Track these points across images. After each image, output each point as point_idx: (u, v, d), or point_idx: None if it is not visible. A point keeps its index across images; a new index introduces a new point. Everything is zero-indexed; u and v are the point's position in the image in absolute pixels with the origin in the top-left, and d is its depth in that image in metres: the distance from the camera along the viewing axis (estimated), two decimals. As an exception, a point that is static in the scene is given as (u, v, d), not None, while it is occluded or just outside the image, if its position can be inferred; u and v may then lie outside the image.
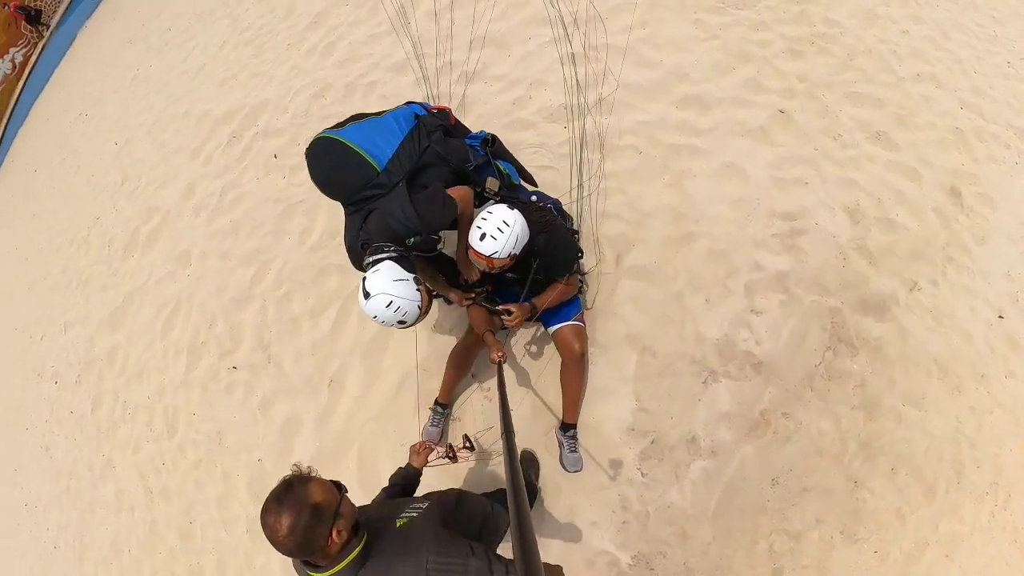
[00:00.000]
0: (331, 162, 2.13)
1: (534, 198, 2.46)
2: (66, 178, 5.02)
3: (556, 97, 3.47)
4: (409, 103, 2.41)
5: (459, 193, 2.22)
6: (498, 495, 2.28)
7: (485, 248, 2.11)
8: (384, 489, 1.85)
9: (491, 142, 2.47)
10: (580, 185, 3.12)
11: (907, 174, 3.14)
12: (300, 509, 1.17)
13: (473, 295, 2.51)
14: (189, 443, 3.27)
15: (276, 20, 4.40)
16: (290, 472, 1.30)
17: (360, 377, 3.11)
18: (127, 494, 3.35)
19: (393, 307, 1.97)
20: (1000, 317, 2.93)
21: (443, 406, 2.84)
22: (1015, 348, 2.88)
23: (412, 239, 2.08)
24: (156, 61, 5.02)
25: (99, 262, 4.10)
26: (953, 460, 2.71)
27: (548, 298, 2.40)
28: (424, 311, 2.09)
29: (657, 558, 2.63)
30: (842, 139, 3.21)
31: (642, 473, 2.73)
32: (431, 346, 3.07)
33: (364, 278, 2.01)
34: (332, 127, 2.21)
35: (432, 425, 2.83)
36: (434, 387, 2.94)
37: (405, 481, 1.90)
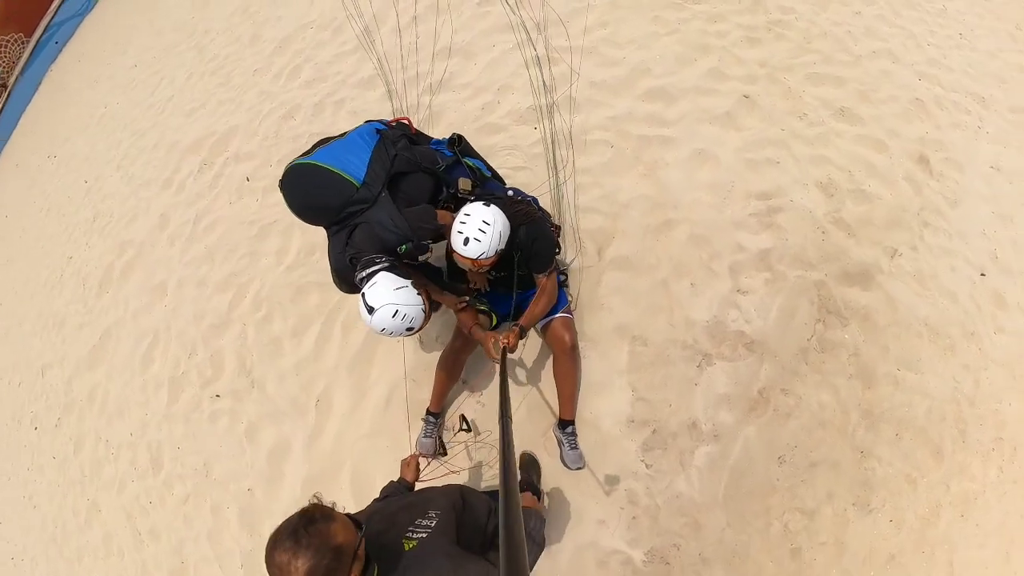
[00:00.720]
0: (308, 187, 2.12)
1: (510, 192, 2.46)
2: (37, 220, 4.94)
3: (524, 100, 3.52)
4: (367, 121, 2.45)
5: (444, 215, 2.26)
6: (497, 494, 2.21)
7: (471, 252, 2.09)
8: (376, 500, 1.77)
9: (458, 141, 2.49)
10: (557, 185, 3.13)
11: (875, 146, 3.21)
12: (321, 551, 1.06)
13: (466, 299, 2.48)
14: (175, 478, 3.13)
15: (241, 48, 4.44)
16: (309, 503, 1.18)
17: (347, 394, 3.03)
18: (115, 538, 3.19)
19: (400, 315, 1.98)
20: (982, 275, 2.96)
21: (435, 415, 2.77)
22: (1000, 304, 2.91)
23: (403, 246, 2.09)
24: (123, 98, 5.02)
25: (74, 301, 4.00)
26: (955, 419, 2.70)
27: (535, 312, 2.38)
28: (428, 314, 2.12)
29: (671, 551, 2.55)
30: (808, 118, 3.29)
31: (646, 465, 2.66)
32: (417, 356, 3.01)
33: (363, 294, 2.00)
34: (300, 156, 2.21)
35: (425, 436, 2.74)
36: (424, 397, 2.87)
37: (397, 494, 1.83)
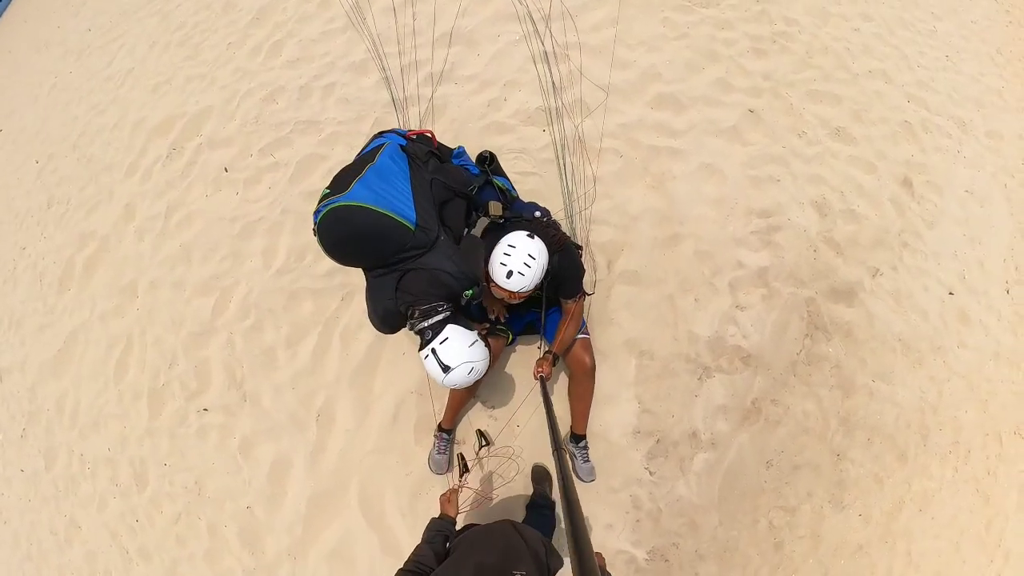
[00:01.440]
0: (358, 232, 1.93)
1: (537, 213, 2.41)
2: None
3: (531, 99, 3.41)
4: (382, 134, 2.29)
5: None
6: (528, 518, 2.29)
7: (514, 285, 2.06)
8: (425, 543, 1.77)
9: (490, 160, 2.40)
10: (570, 195, 3.09)
11: (865, 167, 3.39)
12: None
13: (488, 324, 2.45)
14: (164, 496, 2.98)
15: (213, 17, 3.95)
16: None
17: (351, 408, 2.96)
18: (100, 556, 3.03)
19: (473, 372, 2.01)
20: (950, 294, 3.27)
21: (448, 432, 2.78)
22: (965, 321, 3.23)
23: (471, 291, 2.03)
24: (76, 67, 4.36)
25: (32, 299, 3.58)
26: (919, 426, 3.03)
27: (565, 337, 2.39)
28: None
29: (671, 550, 2.76)
30: (807, 136, 3.40)
31: (650, 472, 2.83)
32: (424, 369, 2.96)
33: (433, 350, 1.95)
34: (330, 191, 1.97)
35: (439, 453, 2.76)
36: (431, 411, 2.86)
37: (444, 532, 1.84)
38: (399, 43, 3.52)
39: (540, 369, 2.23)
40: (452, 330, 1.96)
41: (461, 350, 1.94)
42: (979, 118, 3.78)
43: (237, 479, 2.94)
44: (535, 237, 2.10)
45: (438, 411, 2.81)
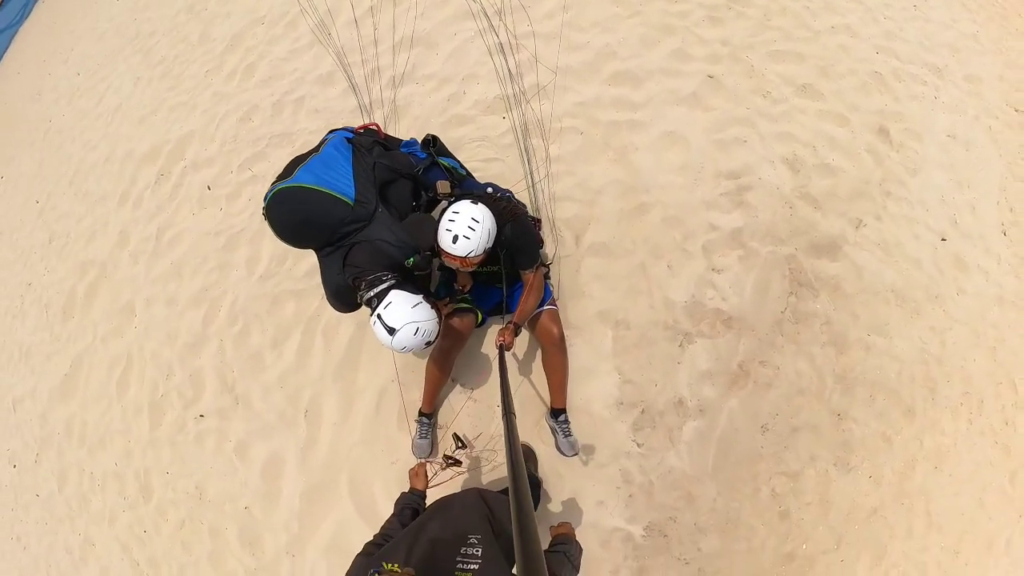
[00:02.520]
0: (298, 212, 2.07)
1: (489, 189, 2.50)
2: None
3: (490, 89, 3.54)
4: (332, 130, 2.43)
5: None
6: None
7: (459, 249, 2.14)
8: (395, 516, 1.83)
9: (433, 142, 2.51)
10: (529, 173, 3.18)
11: (836, 120, 3.37)
12: None
13: (449, 299, 2.53)
14: (168, 504, 3.12)
15: (190, 48, 4.29)
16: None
17: (336, 402, 3.06)
18: (112, 571, 3.18)
19: (420, 332, 2.03)
20: (943, 240, 3.18)
21: (428, 416, 2.84)
22: (961, 267, 3.13)
23: (411, 259, 2.12)
24: (68, 109, 4.78)
25: (39, 330, 3.87)
26: (925, 378, 2.92)
27: (525, 308, 2.45)
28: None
29: (668, 524, 2.71)
30: (771, 96, 3.41)
31: (637, 444, 2.80)
32: (404, 358, 3.04)
33: (379, 315, 2.02)
34: (277, 179, 2.16)
35: (421, 437, 2.81)
36: (415, 398, 2.93)
37: (413, 505, 1.89)
38: (361, 52, 3.72)
39: (501, 338, 2.28)
40: (395, 294, 2.03)
41: (404, 311, 2.00)
42: (955, 63, 3.71)
43: (234, 481, 3.06)
44: (479, 203, 2.19)
45: (416, 398, 2.88)
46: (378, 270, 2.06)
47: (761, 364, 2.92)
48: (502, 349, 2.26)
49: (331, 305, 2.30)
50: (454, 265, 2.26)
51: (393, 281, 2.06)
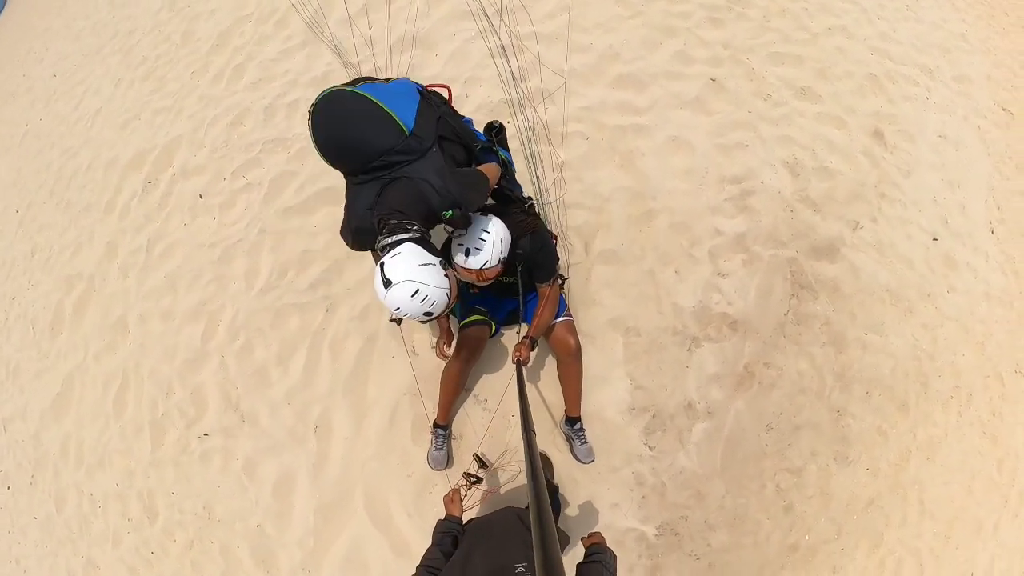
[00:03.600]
0: (353, 119, 1.81)
1: (526, 194, 2.50)
2: None
3: (493, 92, 3.53)
4: (404, 78, 2.17)
5: (490, 171, 2.10)
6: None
7: (474, 263, 2.12)
8: (435, 546, 1.84)
9: (499, 130, 2.41)
10: (537, 180, 3.20)
11: (834, 123, 3.49)
12: None
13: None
14: (175, 525, 3.10)
15: (173, 48, 4.12)
16: None
17: (347, 416, 3.07)
18: (117, 593, 3.16)
19: (420, 296, 1.76)
20: (935, 239, 3.35)
21: (443, 427, 2.88)
22: (952, 265, 3.31)
23: (449, 212, 1.87)
24: (45, 113, 4.56)
25: (25, 347, 3.74)
26: (917, 374, 3.10)
27: (541, 322, 2.46)
28: (453, 300, 1.88)
29: (680, 523, 2.85)
30: (771, 99, 3.50)
31: (649, 447, 2.92)
32: (418, 367, 3.07)
33: (382, 263, 1.77)
34: (340, 85, 1.90)
35: (437, 449, 2.86)
36: (426, 411, 2.96)
37: (452, 533, 1.91)
38: (356, 53, 3.66)
39: (518, 353, 2.32)
40: (408, 247, 1.77)
41: (409, 267, 1.74)
42: (945, 63, 3.87)
43: (244, 499, 3.06)
44: (488, 215, 2.19)
45: (431, 410, 2.92)
46: (407, 217, 1.81)
47: (765, 365, 3.06)
48: (519, 365, 2.29)
49: (344, 239, 2.03)
50: (470, 279, 2.23)
51: (416, 235, 1.80)
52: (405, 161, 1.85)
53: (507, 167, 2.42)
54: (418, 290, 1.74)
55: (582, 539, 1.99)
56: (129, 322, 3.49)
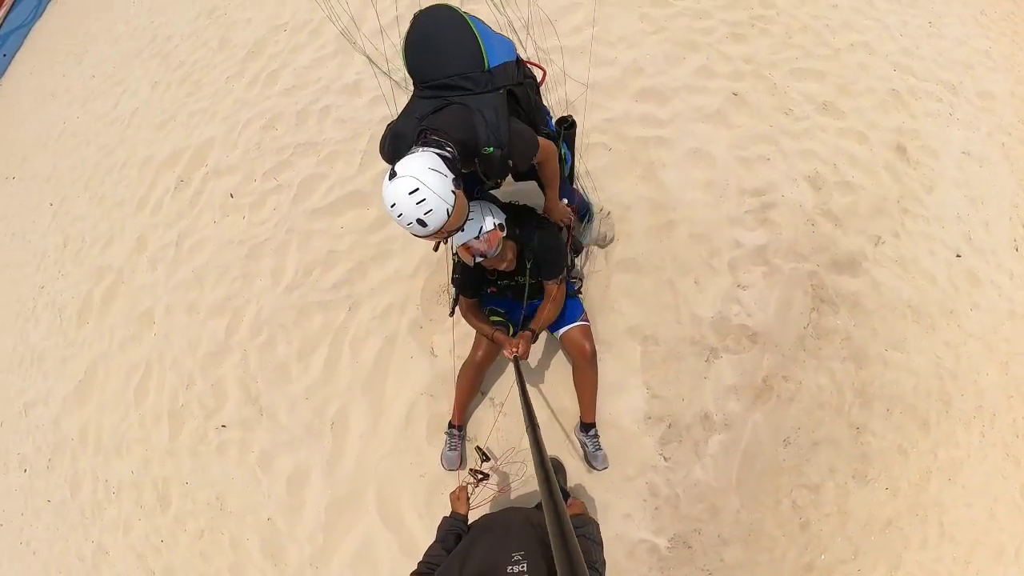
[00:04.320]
0: (447, 30, 1.92)
1: (565, 201, 2.53)
2: (1, 248, 4.72)
3: (518, 102, 3.63)
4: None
5: (546, 145, 2.12)
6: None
7: (470, 231, 2.12)
8: (437, 542, 1.84)
9: (570, 125, 2.44)
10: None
11: (856, 138, 3.53)
12: None
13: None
14: (187, 514, 3.17)
15: (210, 54, 4.33)
16: None
17: (364, 414, 3.13)
18: (126, 580, 3.21)
19: (418, 196, 1.68)
20: (958, 256, 3.35)
21: (458, 428, 2.91)
22: (975, 282, 3.30)
23: (490, 149, 1.84)
24: (83, 112, 4.80)
25: (52, 334, 3.89)
26: (939, 392, 3.07)
27: (542, 317, 2.51)
28: (455, 220, 1.80)
29: (693, 536, 2.83)
30: (793, 113, 3.56)
31: (664, 458, 2.92)
32: (434, 369, 3.14)
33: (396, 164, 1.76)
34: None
35: (450, 450, 2.89)
36: (443, 411, 3.02)
37: (456, 530, 1.91)
38: (388, 63, 3.81)
39: (515, 348, 2.35)
40: (429, 152, 1.73)
41: (419, 166, 1.68)
42: (969, 80, 3.90)
43: (257, 492, 3.11)
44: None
45: (446, 411, 2.96)
46: (449, 141, 1.78)
47: (784, 379, 3.06)
48: (516, 361, 2.34)
49: (380, 145, 2.02)
50: (479, 253, 2.20)
51: (447, 154, 1.76)
52: (471, 91, 1.88)
53: (563, 163, 2.42)
54: (418, 189, 1.68)
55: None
56: (156, 313, 3.62)
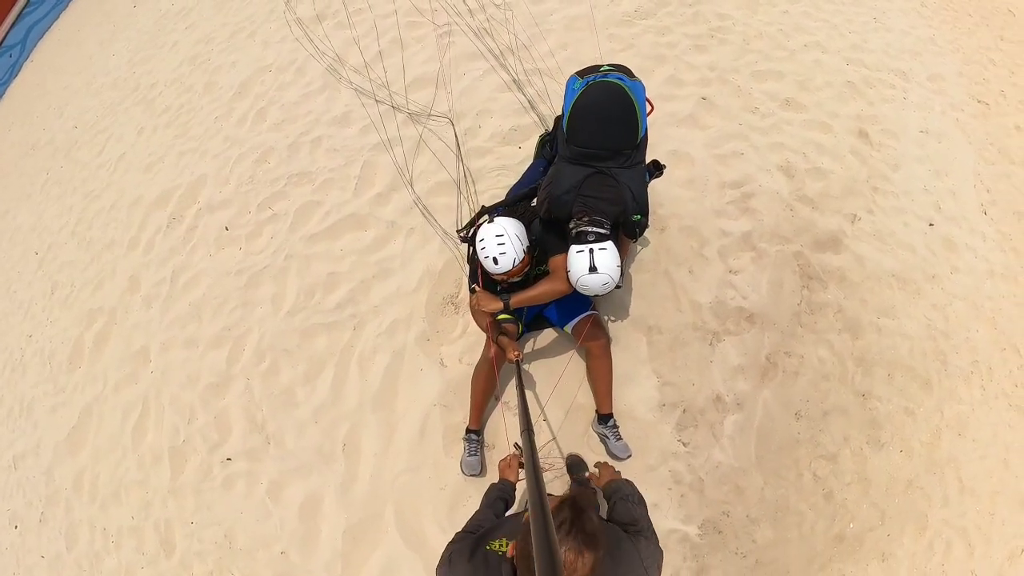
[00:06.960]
0: (611, 108, 2.22)
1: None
2: None
3: (504, 122, 3.93)
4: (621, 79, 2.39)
5: None
6: None
7: (504, 266, 2.44)
8: (486, 507, 1.87)
9: (661, 170, 2.68)
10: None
11: (820, 128, 3.91)
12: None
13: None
14: (193, 556, 3.06)
15: (196, 97, 4.55)
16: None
17: (376, 432, 3.13)
18: (129, 636, 3.05)
19: (607, 286, 2.32)
20: (931, 225, 3.67)
21: (476, 432, 2.96)
22: (952, 247, 3.61)
23: (638, 216, 2.36)
24: (66, 161, 4.89)
25: (41, 382, 3.81)
26: (935, 352, 3.29)
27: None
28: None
29: (722, 520, 2.89)
30: (759, 111, 3.94)
31: (683, 443, 3.02)
32: (444, 380, 3.19)
33: (591, 250, 2.28)
34: (600, 71, 2.29)
35: (470, 455, 2.92)
36: (457, 421, 3.07)
37: (504, 496, 1.94)
38: (374, 94, 4.09)
39: (517, 353, 2.56)
40: (611, 245, 2.29)
41: (613, 263, 2.27)
42: (918, 65, 4.39)
43: (268, 524, 3.04)
44: (493, 219, 2.49)
45: (462, 420, 3.01)
46: (604, 215, 2.28)
47: (786, 354, 3.24)
48: (519, 365, 2.52)
49: (538, 200, 2.55)
50: (500, 279, 2.55)
51: (608, 232, 2.29)
52: (616, 164, 2.29)
53: None
54: (609, 280, 2.31)
55: (591, 478, 2.06)
56: (151, 351, 3.60)
